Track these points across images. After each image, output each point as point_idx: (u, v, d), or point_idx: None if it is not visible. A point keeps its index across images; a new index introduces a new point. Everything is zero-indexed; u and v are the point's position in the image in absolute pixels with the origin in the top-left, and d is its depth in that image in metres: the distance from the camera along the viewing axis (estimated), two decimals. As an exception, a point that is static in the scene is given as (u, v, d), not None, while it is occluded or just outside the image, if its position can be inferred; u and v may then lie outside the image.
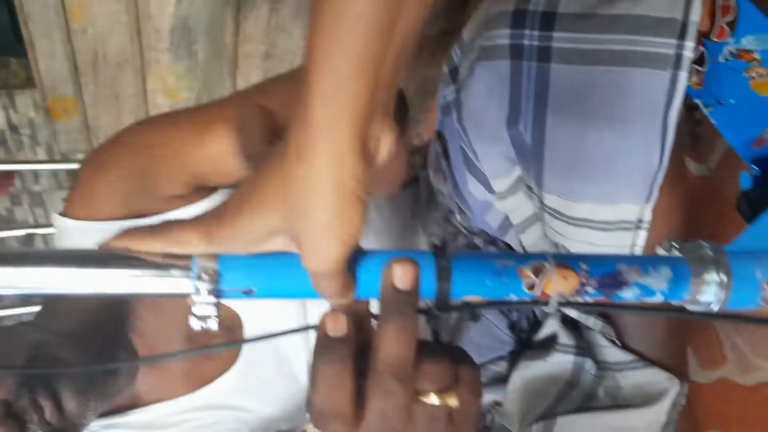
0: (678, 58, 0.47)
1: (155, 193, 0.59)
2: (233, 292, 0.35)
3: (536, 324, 0.75)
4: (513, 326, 0.77)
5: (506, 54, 0.51)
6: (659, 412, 0.63)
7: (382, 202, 0.76)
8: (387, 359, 0.32)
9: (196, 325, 0.34)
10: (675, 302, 0.38)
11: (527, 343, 0.75)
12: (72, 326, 0.57)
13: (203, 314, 0.34)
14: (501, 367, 0.74)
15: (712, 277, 0.36)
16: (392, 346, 0.32)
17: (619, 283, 0.37)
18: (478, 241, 0.74)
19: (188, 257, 0.34)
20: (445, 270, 0.36)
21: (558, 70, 0.50)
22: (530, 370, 0.69)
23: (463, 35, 0.61)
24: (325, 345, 0.32)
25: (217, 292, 0.34)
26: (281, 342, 0.69)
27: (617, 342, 0.66)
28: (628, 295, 0.37)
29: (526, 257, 0.37)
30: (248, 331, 0.66)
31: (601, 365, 0.67)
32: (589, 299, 0.37)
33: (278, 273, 0.35)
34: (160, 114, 0.65)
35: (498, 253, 0.37)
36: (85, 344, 0.55)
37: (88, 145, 1.30)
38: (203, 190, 0.61)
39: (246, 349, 0.65)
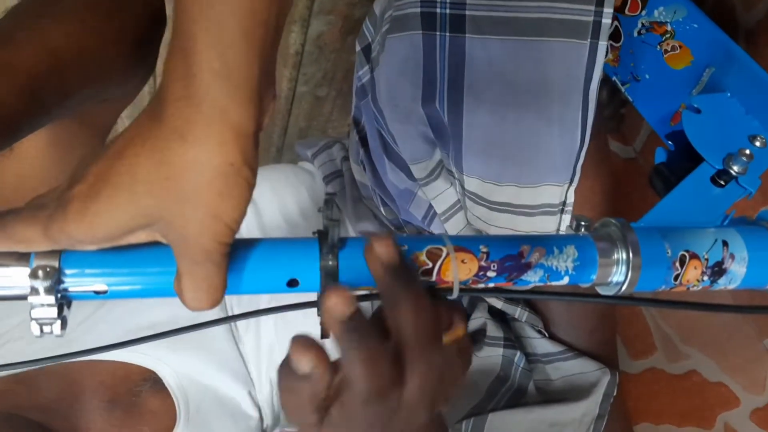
0: (596, 25, 0.45)
1: None
2: (80, 292, 0.30)
3: (469, 317, 0.72)
4: None
5: (418, 24, 0.48)
6: (591, 404, 0.61)
7: (306, 205, 0.72)
8: (419, 335, 0.30)
9: (36, 330, 0.29)
10: (584, 285, 0.35)
11: None
12: None
13: (44, 317, 0.29)
14: None
15: (620, 255, 0.34)
16: (418, 319, 0.30)
17: (522, 265, 0.34)
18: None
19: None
20: (330, 259, 0.32)
21: (473, 42, 0.47)
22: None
23: (374, 8, 0.57)
24: (345, 331, 0.29)
25: (59, 292, 0.29)
26: (218, 385, 0.62)
27: (545, 332, 0.64)
28: (533, 278, 0.34)
29: (422, 241, 0.33)
30: (170, 381, 0.59)
31: (531, 357, 0.65)
32: (490, 284, 0.34)
33: (134, 267, 0.30)
34: None
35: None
36: None
37: None
38: None
39: (182, 405, 0.58)
